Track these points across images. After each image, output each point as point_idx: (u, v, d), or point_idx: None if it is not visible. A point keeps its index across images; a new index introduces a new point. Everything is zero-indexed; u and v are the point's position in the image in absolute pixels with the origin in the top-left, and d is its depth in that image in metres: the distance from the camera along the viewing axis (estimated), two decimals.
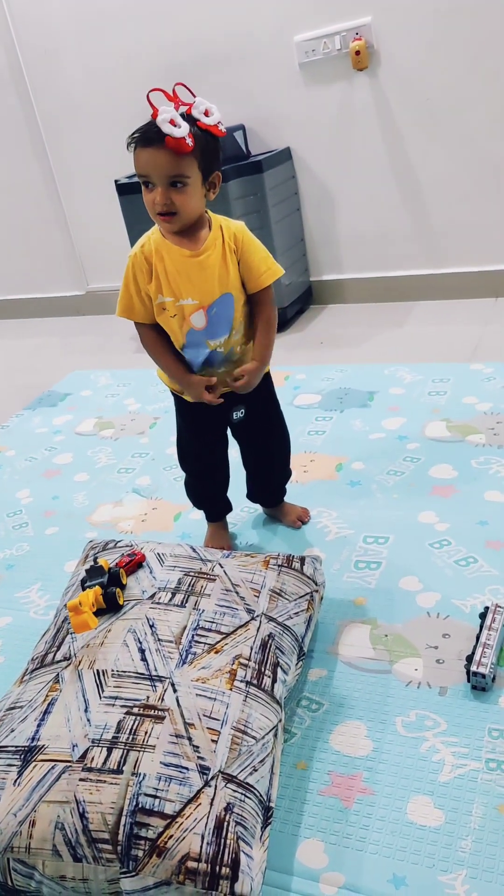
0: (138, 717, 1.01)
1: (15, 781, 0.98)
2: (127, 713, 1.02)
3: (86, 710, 1.04)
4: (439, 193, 2.68)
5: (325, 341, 2.73)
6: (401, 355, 2.45)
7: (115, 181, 2.81)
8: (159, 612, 1.19)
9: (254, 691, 1.08)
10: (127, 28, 2.85)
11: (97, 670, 1.10)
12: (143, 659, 1.10)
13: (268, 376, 1.51)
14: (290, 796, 1.08)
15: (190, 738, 0.99)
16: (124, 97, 2.93)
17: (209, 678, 1.08)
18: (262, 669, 1.12)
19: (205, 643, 1.14)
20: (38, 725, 1.04)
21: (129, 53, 2.89)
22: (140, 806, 0.92)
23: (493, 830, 0.98)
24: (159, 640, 1.14)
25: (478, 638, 1.22)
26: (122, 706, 1.03)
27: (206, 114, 1.24)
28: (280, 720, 1.09)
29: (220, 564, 1.32)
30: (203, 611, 1.20)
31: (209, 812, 0.92)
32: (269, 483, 1.68)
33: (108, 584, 1.24)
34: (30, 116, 3.22)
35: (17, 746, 1.02)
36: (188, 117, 1.22)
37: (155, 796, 0.93)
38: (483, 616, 1.27)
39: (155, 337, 1.41)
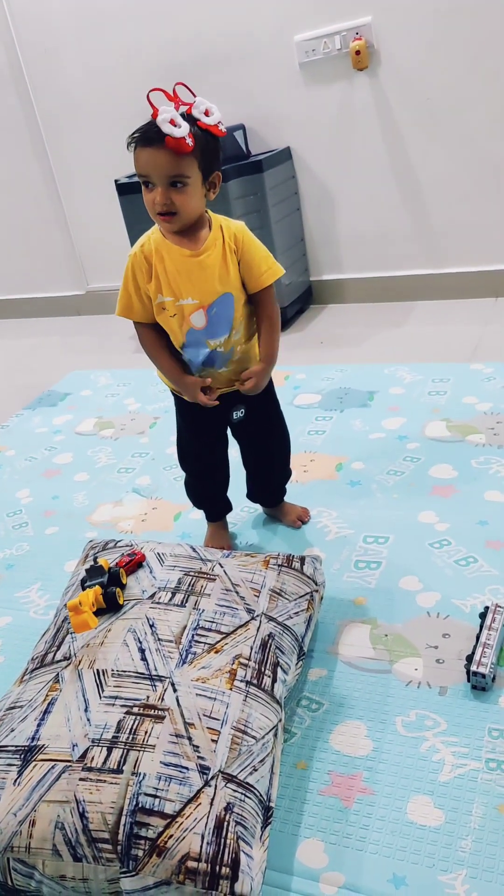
0: (138, 717, 1.01)
1: (15, 781, 0.98)
2: (127, 713, 1.02)
3: (86, 710, 1.04)
4: (439, 193, 2.68)
5: (325, 341, 2.73)
6: (401, 355, 2.45)
7: (115, 181, 2.81)
8: (159, 611, 1.19)
9: (254, 691, 1.08)
10: (127, 27, 2.85)
11: (97, 670, 1.10)
12: (143, 659, 1.10)
13: None
14: (290, 796, 1.08)
15: (190, 738, 0.99)
16: (124, 96, 2.93)
17: (209, 678, 1.08)
18: (262, 669, 1.12)
19: (205, 643, 1.14)
20: (38, 725, 1.04)
21: (130, 52, 2.89)
22: (140, 806, 0.92)
23: (493, 830, 0.98)
24: (159, 639, 1.14)
25: (478, 638, 1.22)
26: (122, 706, 1.03)
27: (207, 113, 1.24)
28: (280, 720, 1.09)
29: (220, 564, 1.32)
30: (203, 610, 1.20)
31: (209, 812, 0.92)
32: (269, 483, 1.68)
33: (108, 583, 1.24)
34: (30, 115, 3.22)
35: (17, 746, 1.02)
36: (188, 117, 1.22)
37: (155, 796, 0.93)
38: (483, 616, 1.27)
39: (153, 337, 1.40)
